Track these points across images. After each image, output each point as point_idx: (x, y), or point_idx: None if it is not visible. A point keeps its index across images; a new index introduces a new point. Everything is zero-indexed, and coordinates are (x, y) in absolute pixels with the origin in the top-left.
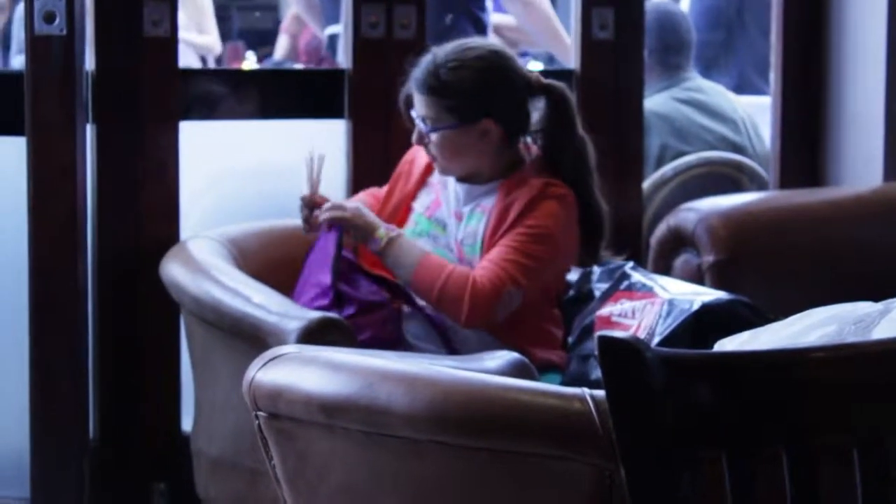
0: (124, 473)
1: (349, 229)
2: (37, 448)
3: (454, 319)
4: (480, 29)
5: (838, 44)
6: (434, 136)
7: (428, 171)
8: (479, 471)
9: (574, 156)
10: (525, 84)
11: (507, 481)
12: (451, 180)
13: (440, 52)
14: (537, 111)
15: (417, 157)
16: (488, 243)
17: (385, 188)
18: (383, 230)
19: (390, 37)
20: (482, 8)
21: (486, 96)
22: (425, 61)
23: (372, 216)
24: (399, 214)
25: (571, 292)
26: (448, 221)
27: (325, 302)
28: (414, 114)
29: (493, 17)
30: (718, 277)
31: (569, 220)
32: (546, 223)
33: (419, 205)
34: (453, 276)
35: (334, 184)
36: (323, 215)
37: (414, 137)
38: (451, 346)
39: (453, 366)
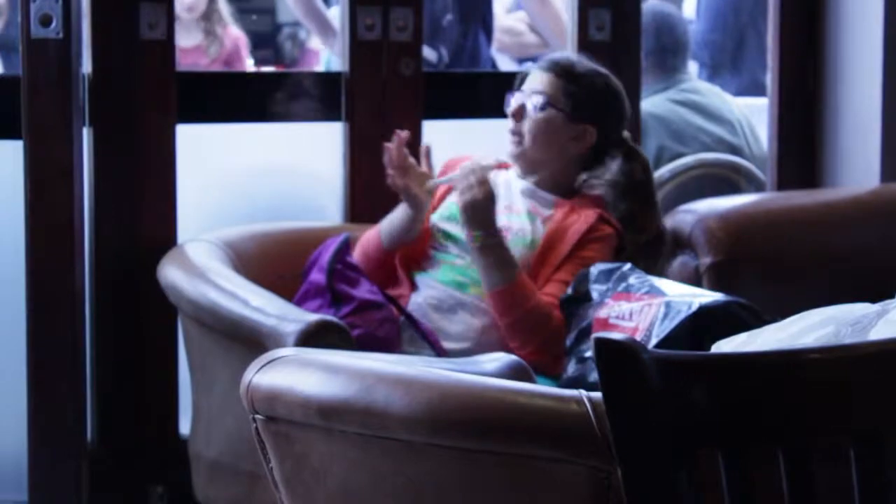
0: (122, 477)
1: (469, 209)
2: (35, 452)
3: (518, 346)
4: (489, 36)
5: (835, 45)
6: (538, 113)
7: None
8: (476, 473)
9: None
10: (621, 126)
11: (504, 483)
12: (506, 184)
13: (576, 56)
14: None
15: (461, 162)
16: (540, 256)
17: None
18: (481, 232)
19: (387, 39)
20: (492, 16)
21: (602, 109)
22: (564, 54)
23: (492, 212)
24: (438, 201)
25: (569, 292)
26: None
27: (321, 301)
28: (525, 88)
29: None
30: (716, 279)
31: (609, 257)
32: (595, 258)
33: (455, 195)
34: (538, 309)
35: (332, 187)
36: (460, 182)
37: (512, 107)
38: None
39: (450, 368)
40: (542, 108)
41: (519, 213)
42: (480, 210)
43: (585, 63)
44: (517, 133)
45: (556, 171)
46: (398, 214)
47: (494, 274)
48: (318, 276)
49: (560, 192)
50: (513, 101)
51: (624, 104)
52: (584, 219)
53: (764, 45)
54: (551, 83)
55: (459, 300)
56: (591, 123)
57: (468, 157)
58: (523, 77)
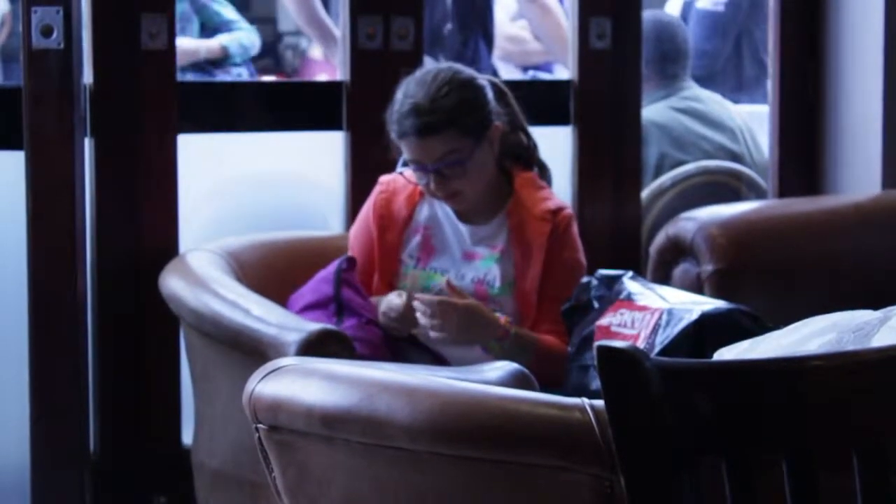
0: (125, 487)
1: (472, 338)
2: (37, 461)
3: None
4: (489, 45)
5: (836, 52)
6: (465, 168)
7: (408, 220)
8: (479, 481)
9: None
10: (488, 95)
11: (507, 492)
12: (450, 223)
13: (410, 94)
14: None
15: (392, 206)
16: (522, 286)
17: (362, 230)
18: (494, 341)
19: (388, 48)
20: (492, 24)
21: (482, 103)
22: (407, 110)
23: (484, 317)
24: (390, 267)
25: (570, 302)
26: (454, 265)
27: (322, 313)
28: (423, 160)
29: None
30: (718, 286)
31: (577, 236)
32: (575, 257)
33: (408, 257)
34: (557, 357)
35: (333, 196)
36: (428, 325)
37: (432, 187)
38: None
39: (453, 377)
40: (463, 162)
41: (482, 257)
42: (477, 330)
43: (432, 93)
44: (454, 194)
45: (492, 184)
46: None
47: (517, 359)
48: (323, 287)
49: (500, 197)
50: (435, 181)
51: (476, 78)
52: (539, 223)
53: (756, 55)
54: (443, 141)
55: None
56: (491, 124)
57: (393, 177)
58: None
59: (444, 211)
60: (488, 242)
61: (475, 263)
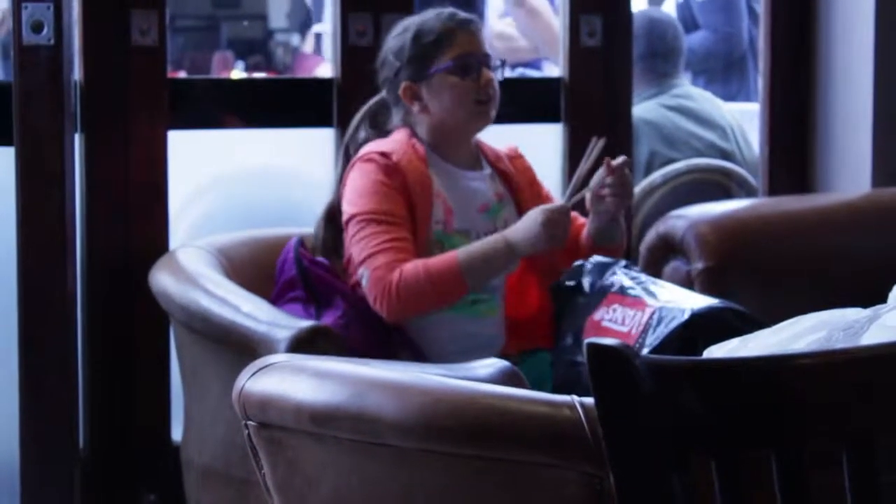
0: (114, 483)
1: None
2: (26, 458)
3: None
4: None
5: (826, 50)
6: (500, 69)
7: (429, 182)
8: (468, 479)
9: None
10: None
11: (496, 489)
12: (458, 177)
13: (433, 10)
14: None
15: (408, 170)
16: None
17: (392, 198)
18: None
19: (378, 45)
20: (484, 21)
21: None
22: (446, 14)
23: None
24: (424, 236)
25: (561, 279)
26: (474, 222)
27: (297, 294)
28: (475, 51)
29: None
30: (707, 284)
31: None
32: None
33: (435, 223)
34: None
35: (323, 193)
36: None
37: (483, 78)
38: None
39: (443, 374)
40: (503, 65)
41: (488, 207)
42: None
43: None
44: (491, 100)
45: None
46: (501, 255)
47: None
48: (297, 293)
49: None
50: (486, 73)
51: None
52: (517, 160)
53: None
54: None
55: (474, 339)
56: None
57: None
58: (443, 39)
59: (446, 168)
60: (488, 191)
61: (489, 213)
